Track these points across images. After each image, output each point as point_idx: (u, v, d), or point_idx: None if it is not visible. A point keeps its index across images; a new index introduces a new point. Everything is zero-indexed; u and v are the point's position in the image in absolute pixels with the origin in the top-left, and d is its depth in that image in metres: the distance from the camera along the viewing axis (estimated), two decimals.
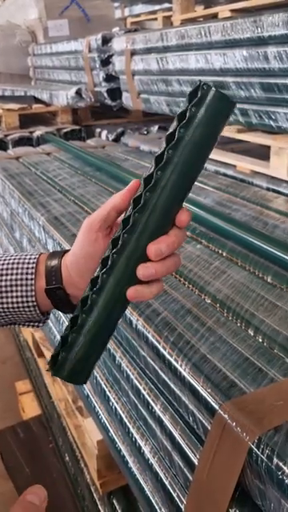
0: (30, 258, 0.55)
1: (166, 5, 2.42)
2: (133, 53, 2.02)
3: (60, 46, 3.06)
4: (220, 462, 0.57)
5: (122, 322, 0.81)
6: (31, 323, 0.57)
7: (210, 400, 0.59)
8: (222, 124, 0.46)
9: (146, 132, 2.51)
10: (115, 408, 0.88)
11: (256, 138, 1.51)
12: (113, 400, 0.90)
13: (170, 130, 0.46)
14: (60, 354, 0.49)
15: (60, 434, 1.47)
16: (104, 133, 2.55)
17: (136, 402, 0.80)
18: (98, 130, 2.63)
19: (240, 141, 1.63)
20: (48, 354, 1.43)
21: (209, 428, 0.60)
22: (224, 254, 0.97)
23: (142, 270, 0.46)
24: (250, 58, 1.35)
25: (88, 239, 0.50)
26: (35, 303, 0.54)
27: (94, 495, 1.17)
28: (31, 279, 0.53)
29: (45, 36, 3.76)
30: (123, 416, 0.85)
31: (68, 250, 0.55)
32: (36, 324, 0.57)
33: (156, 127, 2.51)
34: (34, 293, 0.53)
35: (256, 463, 0.52)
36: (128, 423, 0.83)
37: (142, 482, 0.80)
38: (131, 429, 0.82)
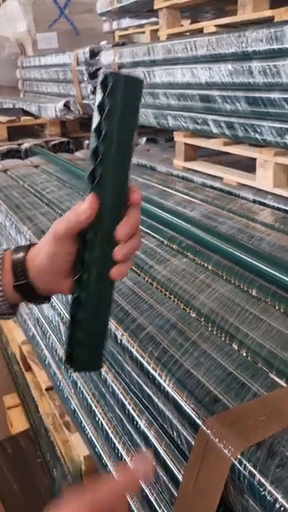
0: None
1: (154, 19, 2.45)
2: (120, 66, 2.04)
3: (48, 58, 3.08)
4: (204, 478, 0.57)
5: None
6: (1, 316, 0.60)
7: (193, 415, 0.60)
8: (139, 101, 0.51)
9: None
10: (101, 423, 0.88)
11: (242, 151, 1.53)
12: (99, 415, 0.89)
13: (94, 123, 0.49)
14: (73, 352, 0.54)
15: (48, 448, 1.45)
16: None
17: (122, 416, 0.80)
18: (87, 142, 2.64)
19: (226, 153, 1.64)
20: (36, 368, 1.43)
21: (193, 443, 0.60)
22: (209, 268, 0.97)
23: (119, 253, 0.51)
24: (235, 72, 1.37)
25: (55, 250, 0.53)
26: (3, 298, 0.56)
27: None
28: None
29: (34, 48, 3.78)
30: (109, 431, 0.85)
31: (34, 244, 0.58)
32: (6, 316, 0.60)
33: (144, 139, 2.53)
34: (1, 288, 0.56)
35: (238, 479, 0.52)
36: (114, 438, 0.83)
37: (127, 498, 0.79)
38: (117, 444, 0.82)
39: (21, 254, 0.56)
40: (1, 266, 0.56)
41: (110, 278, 0.52)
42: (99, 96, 0.49)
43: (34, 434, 1.64)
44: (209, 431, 0.56)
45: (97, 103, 0.49)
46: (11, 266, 0.56)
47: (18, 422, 1.75)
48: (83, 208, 0.50)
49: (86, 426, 0.96)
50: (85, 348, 0.54)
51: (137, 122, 0.51)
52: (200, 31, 1.69)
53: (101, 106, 0.48)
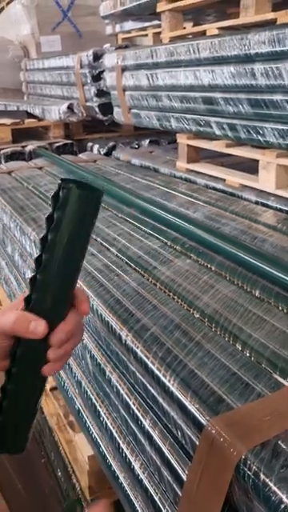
0: None
1: (156, 22, 2.46)
2: (123, 69, 2.05)
3: (52, 61, 3.09)
4: (208, 478, 0.58)
5: (111, 337, 0.81)
6: None
7: (197, 415, 0.60)
8: (93, 215, 0.48)
9: (137, 146, 2.54)
10: (106, 423, 0.89)
11: (245, 153, 1.53)
12: (103, 415, 0.90)
13: (43, 232, 0.49)
14: None
15: (52, 448, 1.46)
16: (96, 147, 2.57)
17: (126, 416, 0.80)
18: (90, 144, 2.65)
19: (229, 155, 1.65)
20: None
21: (197, 443, 0.60)
22: (213, 269, 0.98)
23: (51, 355, 0.51)
24: (237, 74, 1.38)
25: None
26: None
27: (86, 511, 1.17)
28: None
29: (37, 51, 3.80)
30: (113, 431, 0.85)
31: None
32: None
33: (147, 141, 2.54)
34: None
35: (243, 479, 0.52)
36: (118, 438, 0.83)
37: (132, 497, 0.80)
38: (121, 444, 0.82)
39: None
40: None
41: (42, 374, 0.52)
42: (51, 208, 0.48)
43: (38, 434, 1.64)
44: (213, 431, 0.57)
45: (47, 214, 0.48)
46: None
47: None
48: (35, 329, 0.50)
49: (91, 426, 0.96)
50: (3, 432, 0.54)
51: (89, 235, 0.49)
52: (203, 34, 1.70)
53: (49, 219, 0.48)
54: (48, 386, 1.30)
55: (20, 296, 0.55)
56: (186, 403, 0.62)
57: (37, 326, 0.50)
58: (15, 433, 0.54)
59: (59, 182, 0.47)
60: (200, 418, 0.60)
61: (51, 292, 0.50)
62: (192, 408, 0.61)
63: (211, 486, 0.57)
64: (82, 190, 0.46)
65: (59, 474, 1.38)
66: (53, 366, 0.52)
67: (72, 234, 0.47)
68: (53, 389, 1.24)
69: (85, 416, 0.99)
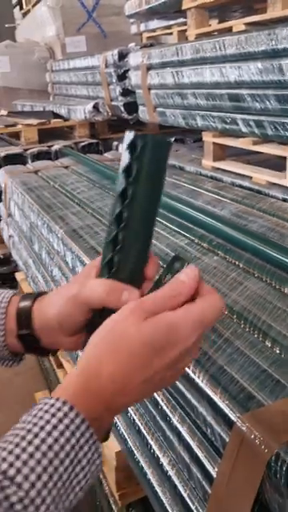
0: (2, 298, 0.55)
1: (181, 20, 2.45)
2: (149, 67, 2.05)
3: (77, 61, 3.12)
4: (239, 476, 0.57)
5: None
6: (5, 361, 0.57)
7: (227, 412, 0.60)
8: (166, 164, 0.47)
9: None
10: (133, 419, 0.89)
11: (272, 150, 1.51)
12: (131, 411, 0.90)
13: (120, 187, 0.46)
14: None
15: None
16: (121, 146, 2.58)
17: (154, 412, 0.80)
18: (115, 143, 2.66)
19: (256, 152, 1.63)
20: (67, 365, 1.45)
21: (227, 440, 0.60)
22: (241, 266, 0.97)
23: None
24: (264, 70, 1.36)
25: (74, 309, 0.50)
26: (5, 343, 0.54)
27: (113, 507, 1.17)
28: (2, 318, 0.53)
29: (63, 52, 3.84)
30: (141, 427, 0.85)
31: (43, 293, 0.56)
32: (10, 363, 0.57)
33: (172, 139, 2.53)
34: (3, 333, 0.53)
35: (275, 476, 0.52)
36: (146, 434, 0.84)
37: (160, 494, 0.80)
38: (149, 440, 0.82)
39: (27, 303, 0.54)
40: (5, 310, 0.54)
41: None
42: (126, 159, 0.46)
43: None
44: (244, 428, 0.56)
45: (123, 166, 0.46)
46: (16, 312, 0.54)
47: None
48: (128, 300, 0.45)
49: (118, 422, 0.97)
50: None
51: (163, 185, 0.48)
52: (229, 30, 1.69)
53: (127, 170, 0.46)
54: None
55: (91, 262, 0.52)
56: (216, 399, 0.62)
57: (131, 296, 0.46)
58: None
59: (131, 133, 0.46)
60: (230, 415, 0.59)
61: (134, 253, 0.47)
62: (222, 404, 0.61)
63: (242, 484, 0.57)
64: (157, 139, 0.45)
65: None
66: None
67: (153, 184, 0.46)
68: None
69: None
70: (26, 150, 2.47)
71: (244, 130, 1.57)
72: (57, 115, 2.99)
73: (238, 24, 1.62)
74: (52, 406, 0.39)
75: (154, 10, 2.33)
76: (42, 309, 0.53)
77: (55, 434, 0.37)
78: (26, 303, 0.54)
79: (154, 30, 3.11)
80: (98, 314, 0.47)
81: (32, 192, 1.70)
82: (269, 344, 0.71)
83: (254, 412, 0.58)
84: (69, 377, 0.43)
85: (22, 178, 1.91)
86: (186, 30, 1.99)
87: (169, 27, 2.87)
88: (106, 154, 2.42)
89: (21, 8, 5.31)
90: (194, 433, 0.69)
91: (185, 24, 2.11)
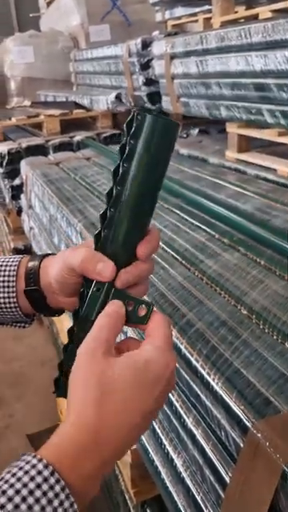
0: (12, 261, 0.58)
1: (207, 7, 2.39)
2: (172, 56, 2.01)
3: (100, 51, 3.09)
4: (252, 483, 0.55)
5: None
6: (17, 324, 0.60)
7: (242, 417, 0.58)
8: (168, 147, 0.45)
9: (185, 135, 2.49)
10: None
11: None
12: None
13: (116, 164, 0.46)
14: (61, 377, 0.51)
15: None
16: None
17: (169, 413, 0.79)
18: None
19: (281, 144, 1.58)
20: None
21: (241, 446, 0.58)
22: (262, 263, 0.94)
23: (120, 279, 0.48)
24: None
25: (67, 277, 0.51)
26: (17, 305, 0.57)
27: (129, 503, 1.17)
28: (13, 281, 0.56)
29: (86, 41, 3.82)
30: (156, 426, 0.84)
31: (49, 254, 0.58)
32: (22, 325, 0.61)
33: (196, 130, 2.49)
34: (15, 294, 0.56)
35: None
36: (161, 434, 0.82)
37: (174, 494, 0.79)
38: (164, 440, 0.81)
39: (35, 262, 0.57)
40: (15, 273, 0.57)
41: None
42: (123, 137, 0.45)
43: None
44: (259, 434, 0.54)
45: (120, 145, 0.45)
46: (24, 271, 0.56)
47: None
48: (102, 271, 0.47)
49: None
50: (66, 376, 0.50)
51: (164, 168, 0.46)
52: (255, 17, 1.64)
53: (121, 148, 0.45)
54: None
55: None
56: (231, 404, 0.60)
57: (104, 268, 0.47)
58: None
59: (133, 110, 0.44)
60: (245, 421, 0.57)
61: (123, 229, 0.46)
62: (237, 409, 0.59)
63: (255, 492, 0.55)
64: (156, 117, 0.43)
65: None
66: None
67: (146, 165, 0.44)
68: None
69: None
70: (47, 141, 2.46)
71: (269, 120, 1.52)
72: (79, 105, 2.97)
73: (264, 11, 1.57)
74: (33, 467, 0.35)
75: None
76: (45, 268, 0.56)
77: (30, 500, 0.34)
78: (33, 263, 0.57)
79: (179, 18, 3.05)
80: (85, 282, 0.49)
81: (52, 184, 1.69)
82: None
83: (269, 419, 0.56)
84: (62, 428, 0.40)
85: (42, 170, 1.91)
86: (211, 18, 1.94)
87: (194, 14, 2.82)
88: None
89: None
90: (209, 436, 0.67)
91: (210, 11, 2.05)
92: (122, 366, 0.41)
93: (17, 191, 2.36)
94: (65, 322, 1.68)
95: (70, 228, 1.33)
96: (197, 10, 2.72)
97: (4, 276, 0.56)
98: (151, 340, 0.44)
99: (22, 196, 2.20)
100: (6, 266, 0.57)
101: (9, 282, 0.56)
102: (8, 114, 3.15)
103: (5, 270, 0.57)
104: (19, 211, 2.39)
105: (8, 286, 0.56)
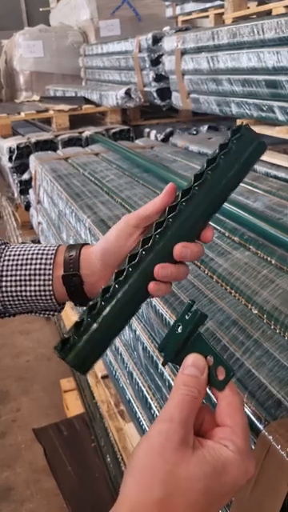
0: (49, 249, 0.58)
1: (218, 2, 2.37)
2: (183, 52, 2.00)
3: (110, 46, 3.08)
4: (263, 485, 0.55)
5: (165, 330, 0.79)
6: (47, 312, 0.61)
7: (254, 419, 0.57)
8: (253, 163, 0.52)
9: (195, 132, 2.48)
10: (156, 415, 0.87)
11: None
12: (154, 408, 0.88)
13: (201, 169, 0.50)
14: (71, 337, 0.47)
15: (102, 434, 1.47)
16: (153, 133, 2.54)
17: None
18: (147, 129, 2.62)
19: None
20: None
21: (252, 447, 0.57)
22: (273, 262, 0.93)
23: (160, 270, 0.49)
24: None
25: (124, 233, 0.53)
26: (52, 292, 0.57)
27: None
28: (49, 269, 0.57)
29: (96, 36, 3.80)
30: None
31: (85, 244, 0.59)
32: (52, 313, 0.61)
33: (206, 127, 2.48)
34: (51, 282, 0.57)
35: None
36: None
37: None
38: None
39: (74, 252, 0.57)
40: (52, 261, 0.57)
41: (147, 289, 0.50)
42: (216, 149, 0.50)
43: (88, 418, 1.67)
44: (270, 437, 0.53)
45: (211, 155, 0.50)
46: (63, 258, 0.57)
47: (74, 406, 1.79)
48: (160, 196, 0.51)
49: (141, 417, 0.96)
50: (90, 342, 0.48)
51: (239, 182, 0.52)
52: (268, 13, 1.62)
53: (211, 160, 0.50)
54: (99, 374, 1.30)
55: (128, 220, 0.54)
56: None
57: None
58: (92, 352, 0.49)
59: (235, 126, 0.50)
60: (257, 422, 0.56)
61: (191, 219, 0.50)
62: (248, 410, 0.58)
63: (266, 495, 0.54)
64: (259, 142, 0.50)
65: (108, 459, 1.39)
66: (158, 286, 0.50)
67: (227, 179, 0.50)
68: (104, 377, 1.25)
69: (135, 407, 0.98)
70: (56, 136, 2.46)
71: (281, 118, 1.51)
72: (88, 101, 2.96)
73: (278, 7, 1.55)
74: None
75: None
76: (86, 252, 0.57)
77: None
78: (73, 252, 0.58)
79: (189, 13, 3.03)
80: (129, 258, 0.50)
81: (61, 179, 1.69)
82: None
83: (280, 421, 0.55)
84: None
85: (51, 165, 1.91)
86: (223, 13, 1.92)
87: (205, 10, 2.80)
88: (137, 141, 2.39)
89: None
90: None
91: (222, 7, 2.04)
92: (199, 467, 0.35)
93: (25, 186, 2.36)
94: (72, 318, 1.68)
95: (79, 224, 1.32)
96: (208, 5, 2.70)
97: (40, 264, 0.57)
98: (232, 436, 0.38)
99: (31, 191, 2.20)
100: (43, 253, 0.58)
101: (45, 269, 0.57)
102: (17, 109, 3.15)
103: (41, 258, 0.57)
104: (27, 206, 2.39)
105: (44, 274, 0.57)
